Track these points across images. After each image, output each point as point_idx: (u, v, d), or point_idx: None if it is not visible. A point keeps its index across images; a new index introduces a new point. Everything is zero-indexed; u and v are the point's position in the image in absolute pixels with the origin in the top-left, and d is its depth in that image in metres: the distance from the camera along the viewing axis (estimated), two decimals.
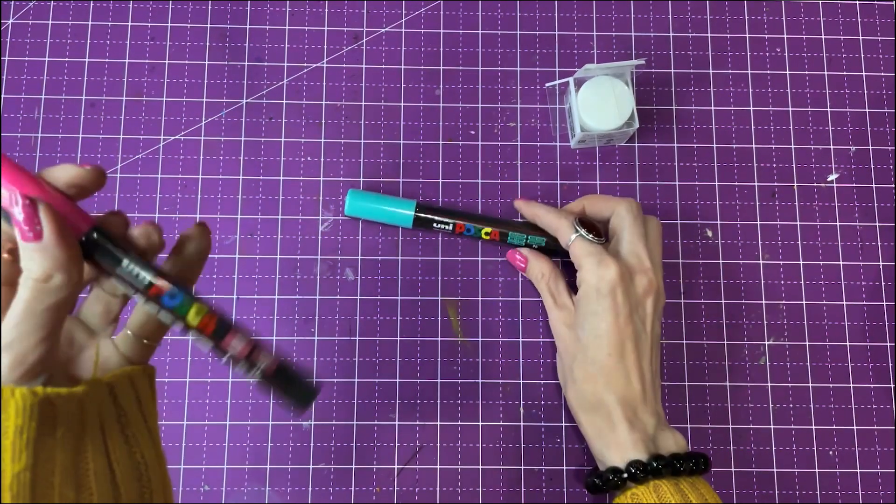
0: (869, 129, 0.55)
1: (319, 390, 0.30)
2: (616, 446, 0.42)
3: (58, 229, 0.25)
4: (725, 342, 0.52)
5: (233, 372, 0.50)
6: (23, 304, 0.25)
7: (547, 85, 0.55)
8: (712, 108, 0.55)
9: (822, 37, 0.57)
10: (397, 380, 0.51)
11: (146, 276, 0.28)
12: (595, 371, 0.43)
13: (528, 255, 0.49)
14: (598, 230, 0.46)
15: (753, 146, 0.55)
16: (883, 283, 0.53)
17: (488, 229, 0.51)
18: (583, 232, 0.45)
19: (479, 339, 0.51)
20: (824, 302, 0.53)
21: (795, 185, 0.54)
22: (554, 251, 0.50)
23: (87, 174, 0.27)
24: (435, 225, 0.51)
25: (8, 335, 0.25)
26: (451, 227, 0.51)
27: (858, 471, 0.50)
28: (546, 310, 0.49)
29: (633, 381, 0.42)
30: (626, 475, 0.40)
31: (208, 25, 0.55)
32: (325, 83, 0.55)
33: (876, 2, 0.57)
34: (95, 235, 0.27)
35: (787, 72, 0.56)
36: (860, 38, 0.57)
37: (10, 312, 0.26)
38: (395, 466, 0.50)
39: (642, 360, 0.43)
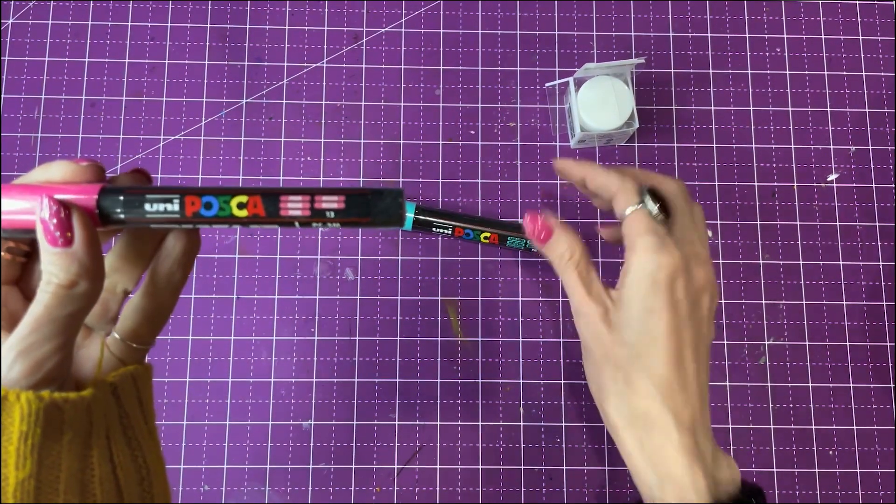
0: (869, 128, 0.55)
1: (402, 192, 0.26)
2: (673, 484, 0.33)
3: (89, 236, 0.25)
4: (725, 342, 0.52)
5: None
6: (43, 308, 0.25)
7: (547, 85, 0.55)
8: (712, 107, 0.55)
9: (822, 37, 0.57)
10: (397, 379, 0.51)
11: (175, 201, 0.26)
12: (651, 384, 0.34)
13: (554, 224, 0.37)
14: (667, 206, 0.36)
15: (753, 146, 0.55)
16: (883, 283, 0.53)
17: (487, 233, 0.50)
18: (650, 203, 0.35)
19: (479, 339, 0.51)
20: (824, 302, 0.53)
21: (795, 185, 0.54)
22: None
23: (84, 171, 0.26)
24: (434, 228, 0.51)
25: (24, 341, 0.25)
26: (450, 231, 0.51)
27: (858, 471, 0.50)
28: (572, 302, 0.36)
29: (692, 398, 0.34)
30: None
31: (208, 25, 0.55)
32: (324, 83, 0.55)
33: (876, 2, 0.57)
34: (106, 197, 0.26)
35: (787, 72, 0.56)
36: (860, 37, 0.57)
37: (27, 317, 0.25)
38: (395, 466, 0.50)
39: (700, 370, 0.35)
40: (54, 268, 0.25)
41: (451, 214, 0.51)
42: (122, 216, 0.26)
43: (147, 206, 0.26)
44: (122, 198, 0.26)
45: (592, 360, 0.37)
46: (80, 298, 0.25)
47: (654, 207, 0.35)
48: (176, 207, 0.26)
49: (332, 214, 0.26)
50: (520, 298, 0.52)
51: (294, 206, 0.26)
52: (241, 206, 0.26)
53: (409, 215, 0.51)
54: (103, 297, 0.30)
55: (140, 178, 0.28)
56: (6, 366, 0.25)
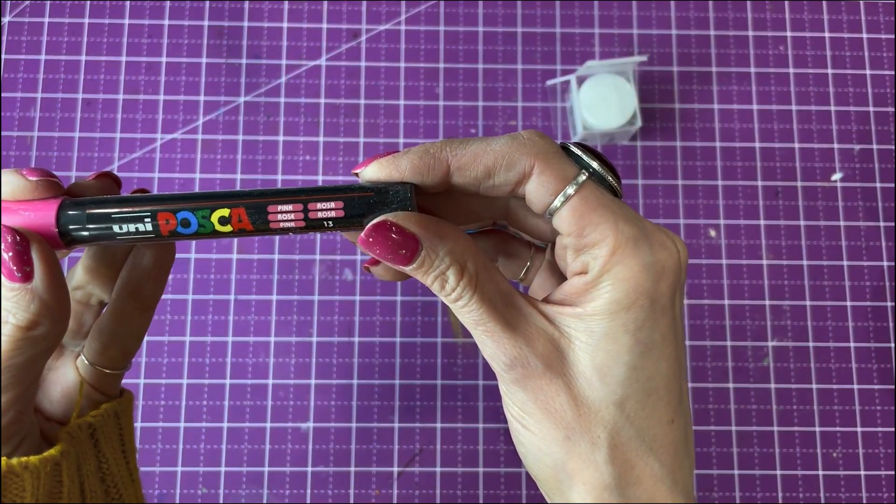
0: (873, 127, 0.55)
1: (412, 186, 0.21)
2: None
3: (51, 269, 0.21)
4: (728, 343, 0.51)
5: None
6: (7, 340, 0.21)
7: (548, 83, 0.54)
8: (715, 106, 0.55)
9: (826, 35, 0.56)
10: (397, 381, 0.50)
11: (146, 220, 0.22)
12: (658, 463, 0.21)
13: (417, 228, 0.21)
14: (614, 168, 0.22)
15: (757, 145, 0.54)
16: (887, 284, 0.52)
17: None
18: (595, 165, 0.21)
19: None
20: (828, 302, 0.52)
21: (799, 184, 0.54)
22: None
23: (35, 188, 0.22)
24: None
25: None
26: None
27: (862, 473, 0.50)
28: (485, 353, 0.21)
29: (690, 449, 0.22)
30: None
31: (206, 23, 0.55)
32: (323, 81, 0.54)
33: (879, 0, 0.57)
34: (67, 215, 0.22)
35: (791, 70, 0.55)
36: (864, 35, 0.56)
37: None
38: (395, 469, 0.49)
39: (689, 405, 0.23)
40: (11, 305, 0.21)
41: None
42: (86, 235, 0.22)
43: (115, 228, 0.22)
44: (85, 215, 0.22)
45: (529, 440, 0.21)
46: (40, 341, 0.22)
47: (605, 173, 0.21)
48: (149, 227, 0.22)
49: (331, 224, 0.22)
50: None
51: (285, 218, 0.22)
52: (223, 220, 0.22)
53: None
54: (76, 310, 0.26)
55: (106, 184, 0.24)
56: None
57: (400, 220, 0.20)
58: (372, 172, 0.21)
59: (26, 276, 0.21)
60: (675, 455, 0.21)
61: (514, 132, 0.21)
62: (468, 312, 0.21)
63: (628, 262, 0.20)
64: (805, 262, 0.53)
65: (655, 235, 0.20)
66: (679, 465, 0.21)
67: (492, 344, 0.21)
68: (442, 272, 0.20)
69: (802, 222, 0.53)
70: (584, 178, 0.20)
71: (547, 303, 0.21)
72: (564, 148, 0.21)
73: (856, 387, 0.51)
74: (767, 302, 0.52)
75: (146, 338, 0.50)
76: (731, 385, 0.51)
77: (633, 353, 0.20)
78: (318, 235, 0.52)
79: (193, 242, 0.52)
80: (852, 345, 0.52)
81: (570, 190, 0.20)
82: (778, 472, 0.50)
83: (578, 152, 0.21)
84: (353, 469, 0.49)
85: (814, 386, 0.51)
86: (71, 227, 0.22)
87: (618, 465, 0.20)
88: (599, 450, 0.20)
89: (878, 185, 0.54)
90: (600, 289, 0.20)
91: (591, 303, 0.20)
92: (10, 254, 0.21)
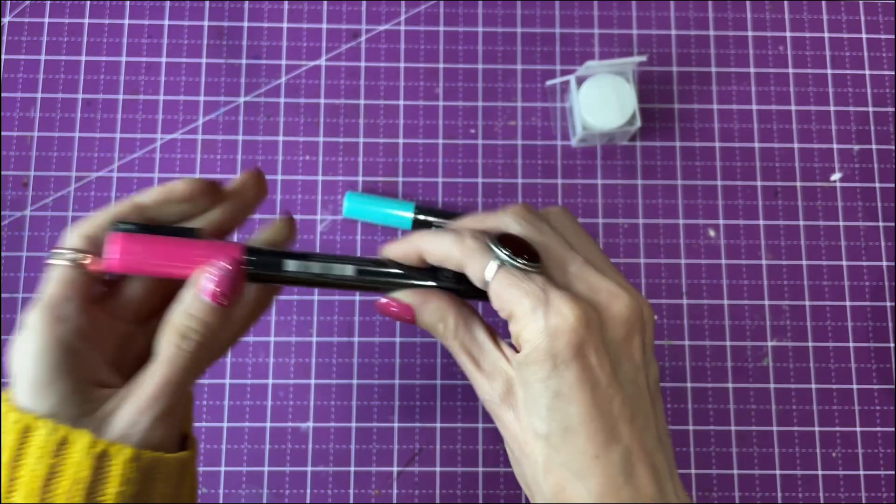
0: (872, 127, 0.55)
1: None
2: None
3: (246, 300, 0.28)
4: (728, 343, 0.52)
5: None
6: (181, 370, 0.25)
7: (548, 83, 0.54)
8: (714, 106, 0.55)
9: (825, 35, 0.56)
10: (396, 381, 0.51)
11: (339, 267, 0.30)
12: (585, 490, 0.25)
13: (410, 296, 0.29)
14: (532, 249, 0.27)
15: (756, 145, 0.54)
16: (886, 284, 0.53)
17: None
18: (505, 254, 0.26)
19: None
20: (827, 302, 0.52)
21: (798, 184, 0.54)
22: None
23: (282, 228, 0.30)
24: (434, 227, 0.51)
25: (162, 402, 0.25)
26: None
27: (861, 473, 0.50)
28: (468, 379, 0.29)
29: (642, 479, 0.25)
30: None
31: (205, 23, 0.55)
32: (323, 81, 0.54)
33: (879, 0, 0.57)
34: (255, 258, 0.28)
35: (790, 70, 0.55)
36: (863, 36, 0.56)
37: (162, 377, 0.25)
38: (394, 469, 0.49)
39: (646, 438, 0.26)
40: (199, 325, 0.25)
41: (450, 213, 0.51)
42: (259, 275, 0.28)
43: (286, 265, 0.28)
44: (266, 260, 0.28)
45: (510, 452, 0.28)
46: (211, 358, 0.27)
47: (513, 259, 0.26)
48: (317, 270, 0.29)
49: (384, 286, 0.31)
50: None
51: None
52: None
53: (409, 215, 0.50)
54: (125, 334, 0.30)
55: (289, 226, 0.31)
56: (129, 423, 0.25)
57: (399, 296, 0.29)
58: (392, 252, 0.30)
59: (230, 303, 0.26)
60: (606, 484, 0.25)
61: (461, 233, 0.27)
62: (453, 352, 0.29)
63: (530, 328, 0.25)
64: (804, 262, 0.53)
65: (553, 304, 0.25)
66: (614, 493, 0.25)
67: (471, 379, 0.28)
68: (432, 325, 0.29)
69: (802, 222, 0.53)
70: (496, 267, 0.26)
71: (509, 346, 0.28)
72: (497, 237, 0.27)
73: (855, 387, 0.51)
74: (767, 302, 0.52)
75: None
76: (730, 385, 0.51)
77: (546, 397, 0.25)
78: (318, 236, 0.52)
79: None
80: (851, 345, 0.52)
81: (488, 278, 0.26)
82: (777, 472, 0.50)
83: (492, 246, 0.27)
84: (352, 469, 0.49)
85: (813, 386, 0.51)
86: (256, 267, 0.28)
87: (553, 486, 0.26)
88: (539, 472, 0.26)
89: (877, 185, 0.54)
90: (521, 351, 0.26)
91: (517, 354, 0.26)
92: (227, 281, 0.26)
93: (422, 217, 0.50)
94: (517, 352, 0.27)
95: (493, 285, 0.26)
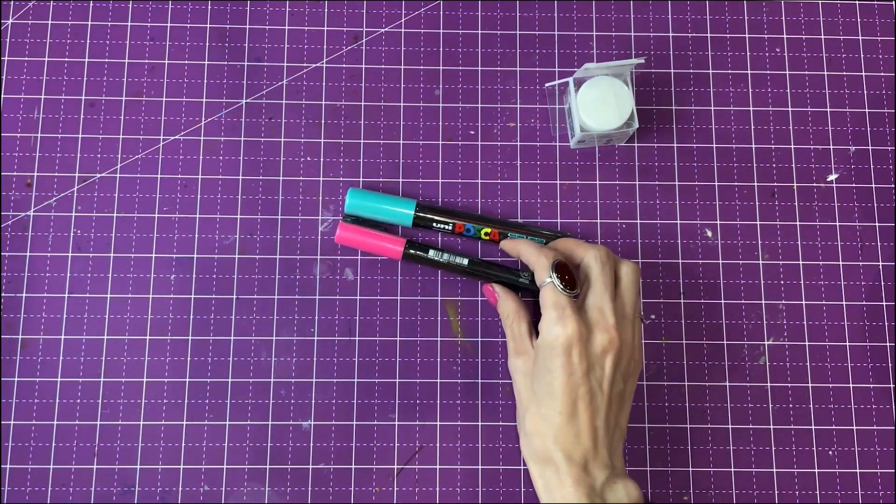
0: (868, 129, 0.55)
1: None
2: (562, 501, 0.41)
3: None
4: (725, 342, 0.52)
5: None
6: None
7: (546, 85, 0.55)
8: (712, 108, 0.55)
9: (822, 37, 0.57)
10: (397, 380, 0.51)
11: (448, 224, 0.51)
12: (545, 427, 0.42)
13: (499, 291, 0.48)
14: (574, 280, 0.44)
15: (753, 146, 0.55)
16: (882, 284, 0.53)
17: (488, 230, 0.51)
18: (555, 279, 0.43)
19: (479, 339, 0.51)
20: (824, 302, 0.53)
21: (795, 185, 0.54)
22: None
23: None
24: (434, 225, 0.51)
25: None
26: (450, 228, 0.51)
27: (858, 471, 0.50)
28: (507, 352, 0.48)
29: (583, 440, 0.41)
30: None
31: (208, 25, 0.55)
32: (324, 83, 0.55)
33: (875, 2, 0.57)
34: (410, 251, 0.50)
35: (787, 72, 0.56)
36: (860, 38, 0.57)
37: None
38: (395, 466, 0.50)
39: (596, 418, 0.41)
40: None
41: (451, 212, 0.51)
42: (414, 256, 0.51)
43: (432, 253, 0.50)
44: (417, 249, 0.51)
45: (518, 401, 0.46)
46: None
47: (558, 283, 0.43)
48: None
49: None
50: None
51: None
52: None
53: (410, 212, 0.51)
54: None
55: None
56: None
57: (496, 287, 0.50)
58: (504, 244, 0.51)
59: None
60: (562, 433, 0.41)
61: (543, 250, 0.46)
62: (507, 334, 0.48)
63: (548, 329, 0.42)
64: (801, 262, 0.53)
65: (565, 320, 0.42)
66: (563, 438, 0.41)
67: (509, 353, 0.48)
68: (502, 312, 0.49)
69: (798, 223, 0.54)
70: (547, 281, 0.44)
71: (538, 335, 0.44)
72: (555, 263, 0.44)
73: (851, 385, 0.52)
74: (763, 301, 0.52)
75: (148, 337, 0.51)
76: (727, 384, 0.51)
77: (543, 371, 0.43)
78: (319, 236, 0.52)
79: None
80: (848, 344, 0.52)
81: (540, 286, 0.44)
82: (774, 470, 0.50)
83: (550, 268, 0.44)
84: (353, 466, 0.50)
85: (810, 385, 0.52)
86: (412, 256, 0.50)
87: (531, 426, 0.43)
88: (527, 417, 0.44)
89: (873, 185, 0.54)
90: (539, 337, 0.44)
91: (537, 343, 0.44)
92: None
93: (423, 215, 0.51)
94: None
95: (542, 293, 0.44)
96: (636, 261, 0.52)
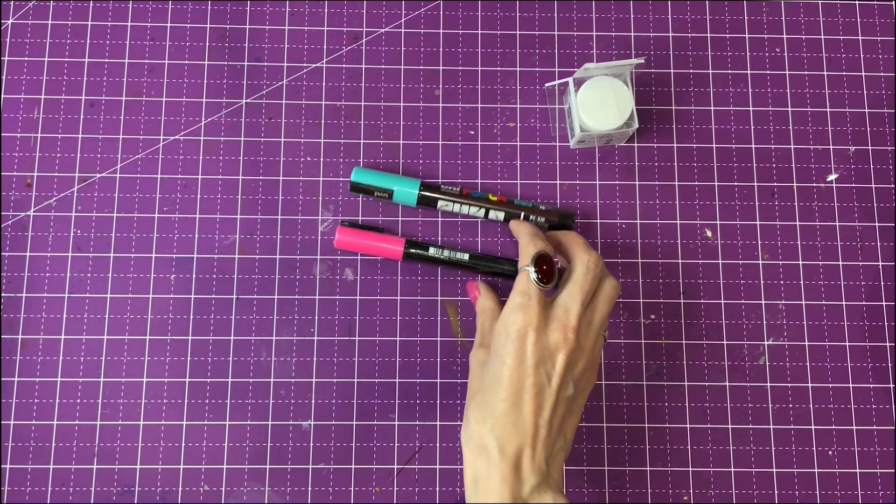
0: (868, 129, 0.55)
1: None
2: (485, 498, 0.39)
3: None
4: (725, 342, 0.52)
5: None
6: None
7: (546, 85, 0.55)
8: (712, 108, 0.55)
9: (822, 37, 0.57)
10: (397, 380, 0.51)
11: (448, 253, 0.51)
12: (486, 413, 0.40)
13: (482, 289, 0.49)
14: (552, 275, 0.43)
15: (753, 146, 0.55)
16: (882, 284, 0.53)
17: (493, 197, 0.51)
18: (531, 270, 0.42)
19: None
20: (824, 302, 0.53)
21: (795, 185, 0.54)
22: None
23: None
24: (442, 188, 0.51)
25: None
26: (458, 190, 0.51)
27: (858, 471, 0.50)
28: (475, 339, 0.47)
29: (521, 432, 0.39)
30: None
31: (208, 25, 0.55)
32: (324, 83, 0.55)
33: (875, 2, 0.57)
34: (411, 251, 0.50)
35: (787, 72, 0.56)
36: (860, 38, 0.57)
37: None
38: (395, 466, 0.50)
39: (539, 415, 0.39)
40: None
41: (453, 193, 0.51)
42: (414, 255, 0.51)
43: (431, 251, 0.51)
44: (417, 247, 0.51)
45: (468, 390, 0.45)
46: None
47: (533, 274, 0.42)
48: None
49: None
50: None
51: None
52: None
53: (414, 192, 0.51)
54: None
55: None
56: None
57: (480, 284, 0.50)
58: (511, 224, 0.51)
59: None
60: (499, 419, 0.40)
61: (537, 238, 0.45)
62: (477, 323, 0.48)
63: (504, 314, 0.42)
64: (801, 262, 0.53)
65: (527, 306, 0.41)
66: (499, 426, 0.39)
67: (474, 343, 0.47)
68: (477, 307, 0.49)
69: (798, 223, 0.54)
70: (525, 269, 0.43)
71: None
72: (537, 254, 0.43)
73: (851, 385, 0.52)
74: (763, 301, 0.52)
75: (148, 337, 0.51)
76: (727, 383, 0.51)
77: (494, 357, 0.42)
78: (319, 236, 0.53)
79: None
80: (848, 344, 0.52)
81: (519, 271, 0.43)
82: (774, 470, 0.50)
83: (532, 258, 0.43)
84: (353, 466, 0.50)
85: (809, 385, 0.52)
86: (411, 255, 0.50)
87: (478, 401, 0.41)
88: (476, 393, 0.42)
89: (873, 185, 0.54)
90: (497, 322, 0.43)
91: (496, 324, 0.43)
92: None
93: (427, 193, 0.51)
94: None
95: (518, 276, 0.43)
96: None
